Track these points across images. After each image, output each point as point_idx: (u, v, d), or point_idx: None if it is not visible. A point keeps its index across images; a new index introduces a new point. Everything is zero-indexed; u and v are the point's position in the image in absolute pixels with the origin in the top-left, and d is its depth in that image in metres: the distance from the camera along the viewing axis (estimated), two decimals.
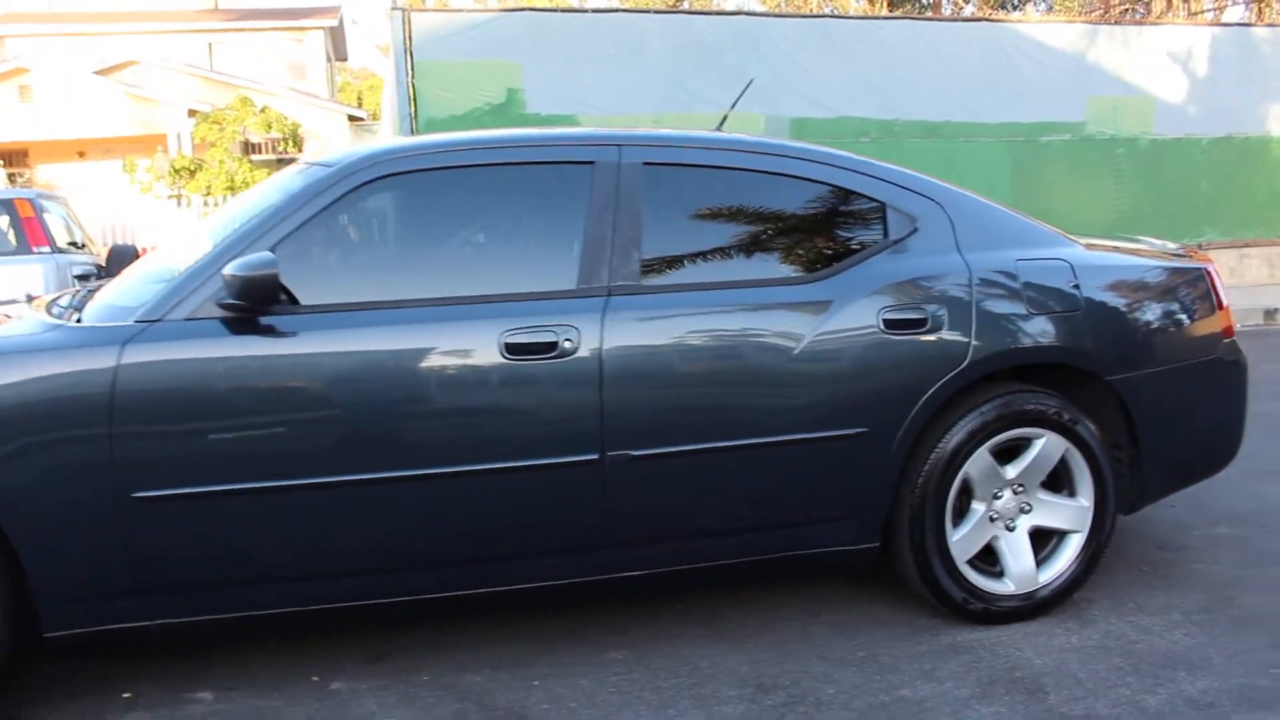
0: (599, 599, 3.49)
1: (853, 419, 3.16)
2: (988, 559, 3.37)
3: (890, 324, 3.19)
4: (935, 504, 3.24)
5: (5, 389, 2.70)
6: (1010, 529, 3.36)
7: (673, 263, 3.23)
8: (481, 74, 11.03)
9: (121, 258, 8.91)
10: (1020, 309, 3.31)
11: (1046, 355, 3.36)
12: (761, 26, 12.07)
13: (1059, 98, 12.91)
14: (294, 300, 2.90)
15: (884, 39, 12.41)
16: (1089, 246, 3.63)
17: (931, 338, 3.21)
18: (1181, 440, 3.58)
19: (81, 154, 22.91)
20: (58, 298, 3.48)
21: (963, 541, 3.30)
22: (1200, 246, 11.93)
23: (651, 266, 3.15)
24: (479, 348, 2.94)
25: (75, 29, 26.51)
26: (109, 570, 2.78)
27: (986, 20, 12.73)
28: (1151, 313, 3.52)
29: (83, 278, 8.80)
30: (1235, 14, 23.46)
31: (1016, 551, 3.36)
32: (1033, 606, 3.36)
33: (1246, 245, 13.67)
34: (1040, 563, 3.38)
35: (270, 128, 20.60)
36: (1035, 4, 27.73)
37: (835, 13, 23.63)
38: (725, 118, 4.04)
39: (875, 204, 3.39)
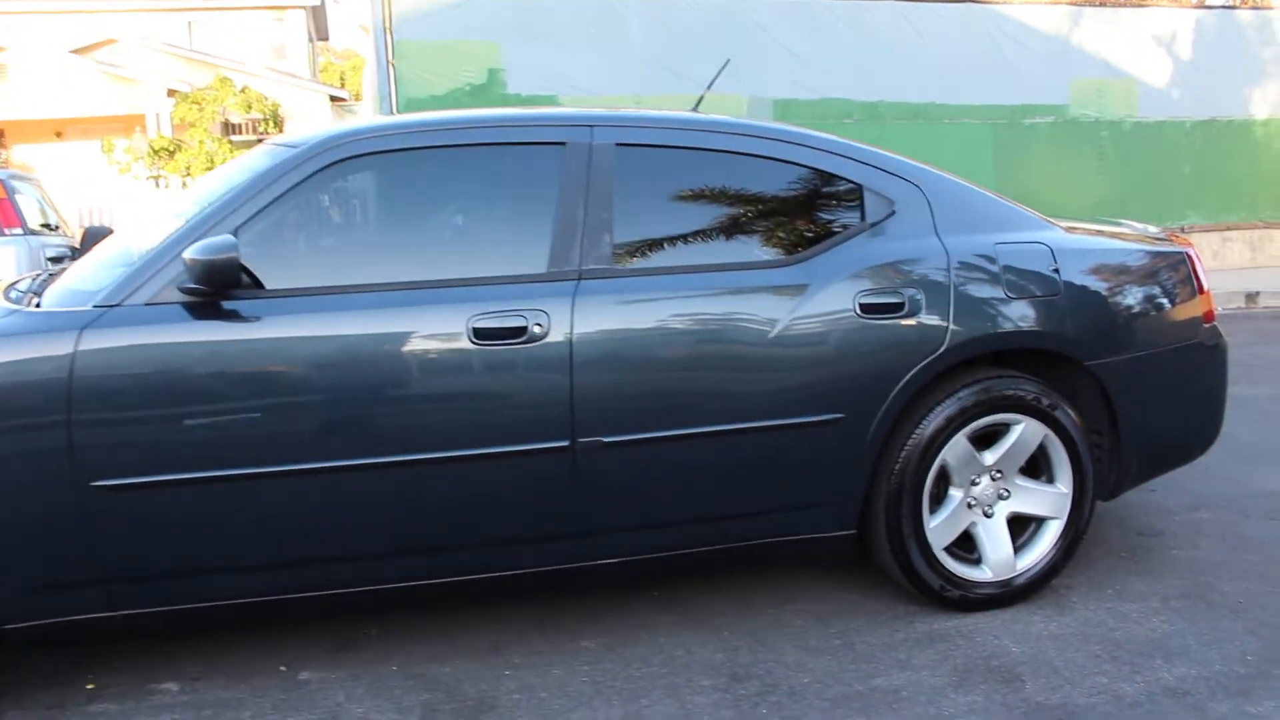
0: (572, 587, 3.45)
1: (829, 405, 3.12)
2: (965, 546, 3.34)
3: (867, 308, 3.15)
4: (912, 490, 3.20)
5: None
6: (988, 515, 3.33)
7: (646, 246, 3.17)
8: (462, 54, 10.93)
9: (96, 239, 8.78)
10: (999, 293, 3.27)
11: (1025, 340, 3.32)
12: (745, 7, 11.98)
13: (1043, 80, 12.89)
14: (258, 284, 2.84)
15: (868, 20, 12.35)
16: (1069, 230, 3.60)
17: (909, 322, 3.17)
18: (1161, 425, 3.55)
19: (59, 134, 22.66)
20: (17, 282, 3.41)
21: (940, 528, 3.26)
22: (1182, 230, 11.94)
23: (624, 249, 3.10)
24: (446, 332, 2.88)
25: (52, 5, 26.18)
26: (69, 560, 2.73)
27: (971, 1, 12.66)
28: (1132, 297, 3.49)
29: (56, 260, 8.68)
30: None
31: (994, 538, 3.32)
32: (1010, 594, 3.34)
33: (1229, 228, 13.70)
34: (1018, 549, 3.36)
35: (250, 108, 20.39)
36: None
37: None
38: (701, 98, 3.97)
39: (852, 186, 3.34)
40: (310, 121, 21.29)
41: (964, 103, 12.61)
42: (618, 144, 3.16)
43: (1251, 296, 11.12)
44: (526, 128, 3.28)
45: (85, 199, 19.52)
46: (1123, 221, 4.17)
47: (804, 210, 3.40)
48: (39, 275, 3.50)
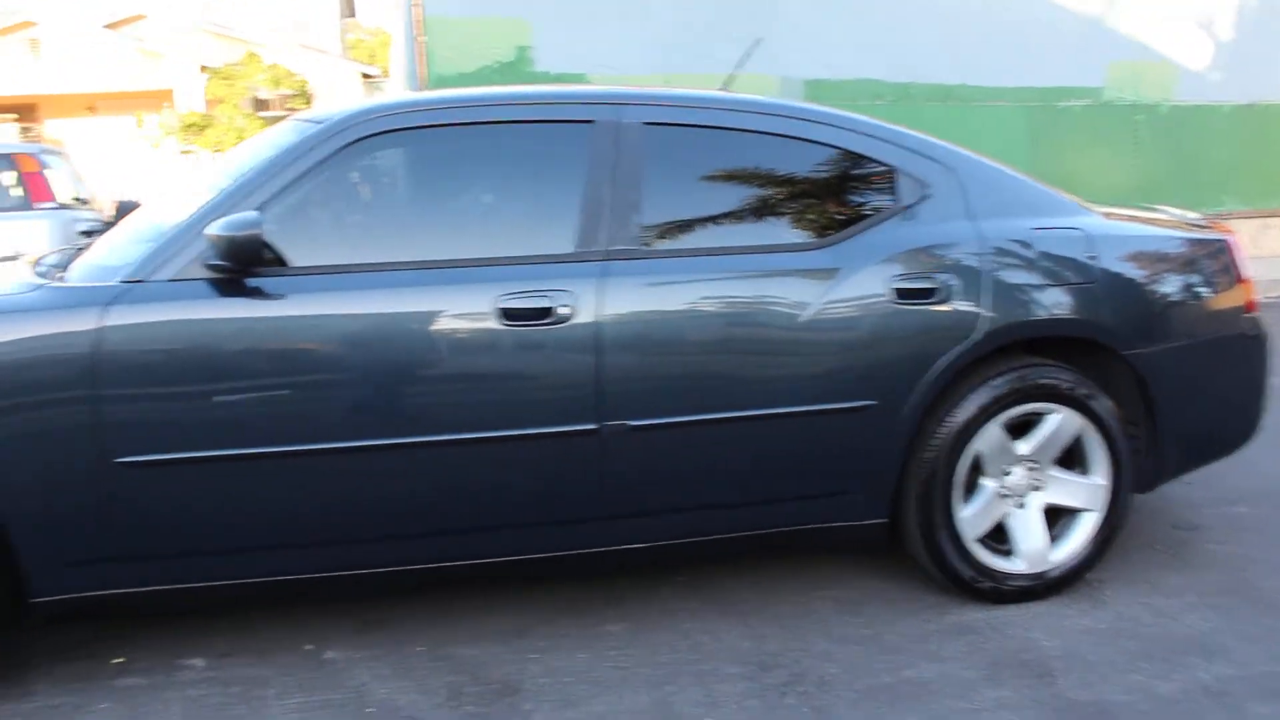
0: (597, 571, 3.42)
1: (860, 391, 3.07)
2: (997, 537, 3.28)
3: (899, 293, 3.09)
4: (944, 479, 3.15)
5: None
6: (1021, 506, 3.27)
7: (674, 227, 3.12)
8: (491, 31, 10.85)
9: (127, 214, 8.80)
10: (1034, 279, 3.21)
11: (1061, 328, 3.26)
12: None
13: (1077, 62, 12.69)
14: (282, 261, 2.81)
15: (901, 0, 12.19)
16: (1107, 215, 3.52)
17: (942, 308, 3.11)
18: (1200, 417, 3.47)
19: (91, 109, 22.78)
20: (46, 256, 3.40)
21: (972, 518, 3.21)
22: (1221, 216, 11.75)
23: (652, 230, 3.05)
24: (472, 312, 2.85)
25: None
26: (94, 536, 2.72)
27: None
28: (1171, 285, 3.41)
29: (87, 234, 8.71)
30: None
31: (1028, 530, 3.27)
32: (1044, 586, 3.28)
33: (1269, 215, 13.45)
34: (1052, 541, 3.29)
35: (279, 84, 20.46)
36: None
37: None
38: (731, 78, 3.91)
39: (885, 168, 3.27)
40: (340, 97, 21.31)
41: (997, 85, 12.43)
42: (646, 123, 3.12)
43: None
44: (554, 105, 3.23)
45: (118, 174, 19.61)
46: (1161, 207, 4.08)
47: (835, 192, 3.34)
48: (67, 250, 3.49)
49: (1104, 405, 3.25)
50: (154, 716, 2.73)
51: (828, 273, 3.07)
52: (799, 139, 3.25)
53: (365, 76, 25.03)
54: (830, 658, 2.97)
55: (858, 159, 3.28)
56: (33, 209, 8.90)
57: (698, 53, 10.98)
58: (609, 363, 2.90)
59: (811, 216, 3.28)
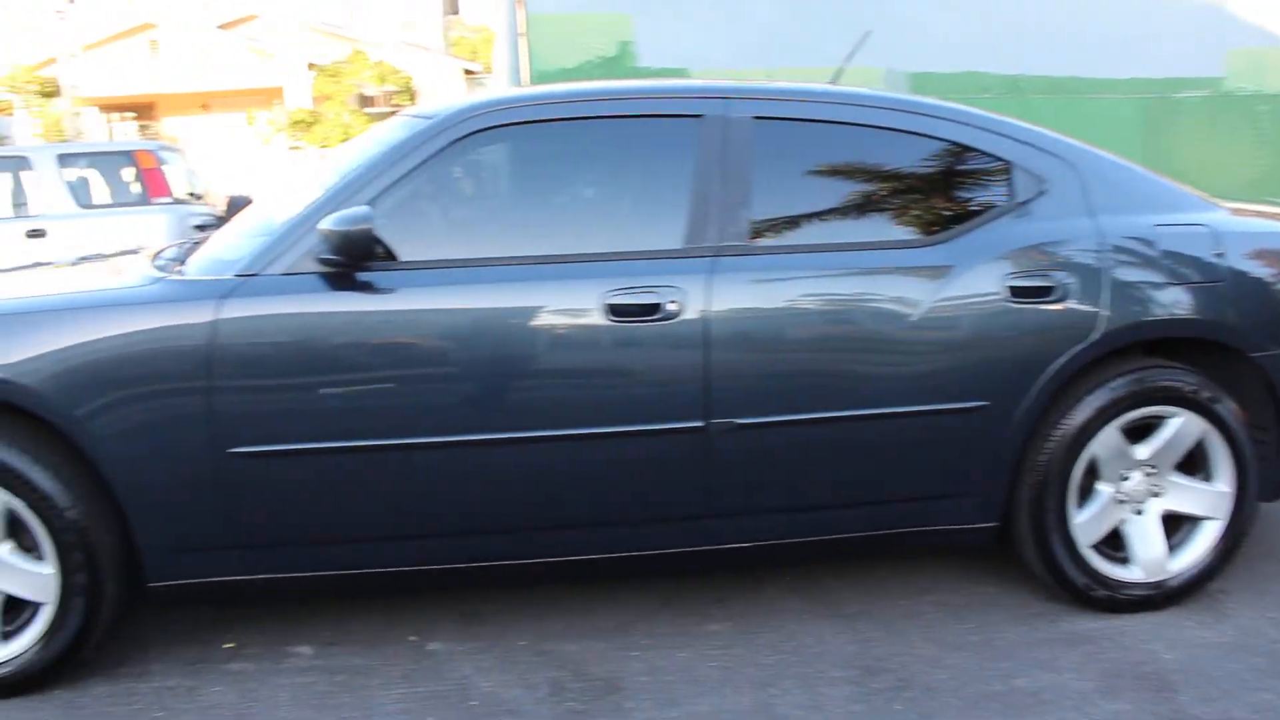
0: (698, 569, 3.39)
1: (972, 391, 3.00)
2: (1113, 544, 3.17)
3: (1014, 291, 3.00)
4: (1058, 483, 3.06)
5: (108, 341, 2.70)
6: (1139, 513, 3.16)
7: (783, 223, 3.08)
8: (592, 26, 10.89)
9: (238, 209, 9.03)
10: (1157, 278, 3.09)
11: (1184, 329, 3.14)
12: None
13: (1194, 51, 12.23)
14: (392, 256, 2.84)
15: None
16: (1234, 211, 3.37)
17: (1059, 307, 3.02)
18: None
19: (205, 106, 23.47)
20: (164, 249, 3.49)
21: (1087, 524, 3.11)
22: None
23: (761, 226, 3.01)
24: (580, 308, 2.85)
25: None
26: (207, 524, 2.79)
27: None
28: None
29: (201, 228, 8.96)
30: None
31: (1145, 537, 3.15)
32: (1162, 596, 3.16)
33: None
34: (1171, 550, 3.17)
35: (384, 81, 20.83)
36: None
37: None
38: (840, 71, 3.84)
39: (1001, 163, 3.18)
40: (444, 94, 21.61)
41: (1109, 76, 12.07)
42: (755, 117, 3.07)
43: None
44: (663, 99, 3.21)
45: (229, 169, 20.18)
46: None
47: (948, 188, 3.26)
48: (184, 244, 3.58)
49: (1228, 409, 3.12)
50: (263, 702, 2.79)
51: (940, 270, 3.00)
52: (911, 133, 3.17)
53: (467, 73, 25.35)
54: (938, 663, 2.90)
55: (972, 153, 3.20)
56: (150, 204, 9.19)
57: (800, 46, 10.86)
58: (716, 360, 2.87)
59: (924, 212, 3.20)
